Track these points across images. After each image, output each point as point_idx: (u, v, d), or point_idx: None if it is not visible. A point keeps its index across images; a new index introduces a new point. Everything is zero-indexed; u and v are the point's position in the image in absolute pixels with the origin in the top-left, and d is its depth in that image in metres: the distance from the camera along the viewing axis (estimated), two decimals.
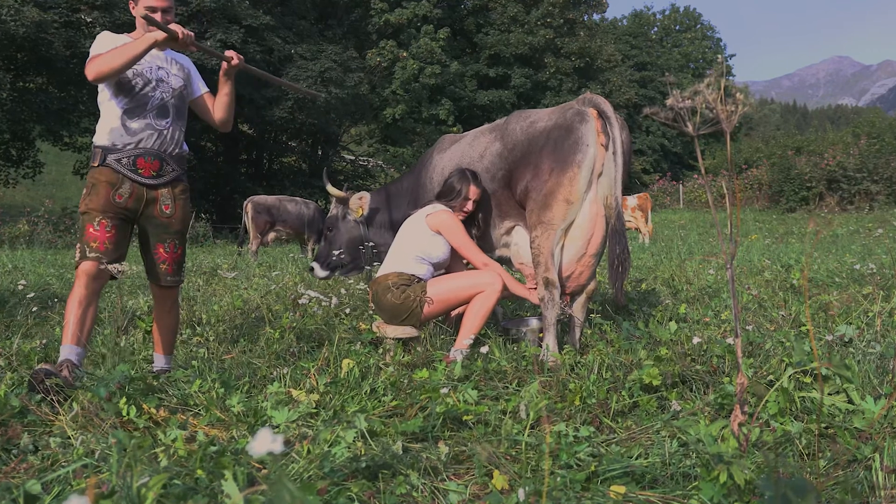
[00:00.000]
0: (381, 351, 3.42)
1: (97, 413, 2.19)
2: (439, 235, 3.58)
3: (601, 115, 3.29)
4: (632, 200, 13.44)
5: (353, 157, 29.69)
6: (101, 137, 2.94)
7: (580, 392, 2.52)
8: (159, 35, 2.80)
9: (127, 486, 1.30)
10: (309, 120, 22.60)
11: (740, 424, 1.73)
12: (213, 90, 3.23)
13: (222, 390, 2.57)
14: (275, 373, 2.93)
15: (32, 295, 4.68)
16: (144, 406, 2.37)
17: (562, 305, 3.36)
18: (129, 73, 2.93)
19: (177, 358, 3.32)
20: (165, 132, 3.01)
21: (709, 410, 2.38)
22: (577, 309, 3.53)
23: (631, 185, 32.61)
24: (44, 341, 3.59)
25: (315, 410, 2.43)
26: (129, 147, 2.92)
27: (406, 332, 3.45)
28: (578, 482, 1.81)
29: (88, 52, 2.93)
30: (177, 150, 3.07)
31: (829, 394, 2.29)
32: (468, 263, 4.06)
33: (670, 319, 3.87)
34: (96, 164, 2.93)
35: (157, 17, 2.87)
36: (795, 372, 2.40)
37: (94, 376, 2.48)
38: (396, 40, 31.15)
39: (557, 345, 3.30)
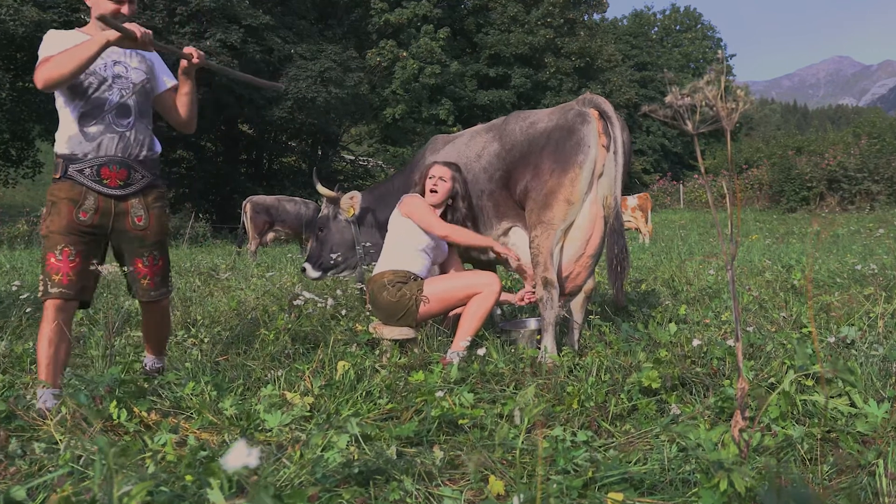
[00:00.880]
0: (377, 353, 3.38)
1: (85, 418, 2.15)
2: (410, 220, 3.55)
3: (602, 115, 3.27)
4: (632, 200, 13.41)
5: (353, 157, 29.70)
6: (61, 146, 2.70)
7: (578, 395, 2.48)
8: (112, 35, 2.55)
9: (107, 495, 1.26)
10: (309, 120, 22.56)
11: (741, 430, 1.69)
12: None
13: (215, 393, 2.54)
14: (269, 375, 2.89)
15: (27, 296, 4.64)
16: (135, 409, 2.34)
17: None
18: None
19: (170, 359, 3.27)
20: (128, 134, 2.74)
21: (709, 414, 2.34)
22: (576, 309, 3.50)
23: (631, 185, 32.58)
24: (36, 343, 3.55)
25: (309, 413, 2.39)
26: (90, 156, 2.67)
27: (403, 333, 3.42)
28: (575, 489, 1.78)
29: None
30: (144, 153, 2.79)
31: (832, 397, 2.25)
32: (467, 264, 4.02)
33: (670, 321, 3.82)
34: (58, 177, 2.68)
35: (125, 8, 2.69)
36: (797, 375, 2.36)
37: (84, 379, 2.44)
38: (396, 40, 31.14)
39: (556, 346, 3.26)
